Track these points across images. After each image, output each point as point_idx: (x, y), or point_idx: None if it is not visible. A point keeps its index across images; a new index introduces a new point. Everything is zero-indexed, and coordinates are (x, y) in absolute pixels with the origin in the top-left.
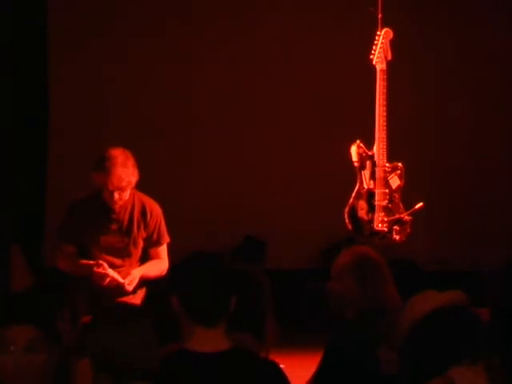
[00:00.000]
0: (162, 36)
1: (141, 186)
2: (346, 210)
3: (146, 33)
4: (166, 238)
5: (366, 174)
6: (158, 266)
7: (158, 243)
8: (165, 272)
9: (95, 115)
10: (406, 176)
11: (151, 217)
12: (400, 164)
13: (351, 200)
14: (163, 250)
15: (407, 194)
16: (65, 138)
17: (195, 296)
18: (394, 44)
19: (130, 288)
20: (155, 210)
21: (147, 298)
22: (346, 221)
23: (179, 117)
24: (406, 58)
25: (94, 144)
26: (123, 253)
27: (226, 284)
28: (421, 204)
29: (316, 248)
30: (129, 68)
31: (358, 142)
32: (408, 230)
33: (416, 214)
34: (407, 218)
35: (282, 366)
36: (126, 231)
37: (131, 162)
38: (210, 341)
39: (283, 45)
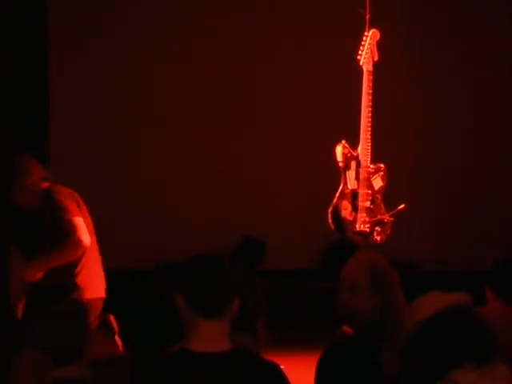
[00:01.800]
0: (162, 36)
1: (141, 186)
2: (330, 209)
3: (145, 33)
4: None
5: (350, 174)
6: (56, 250)
7: (60, 229)
8: (71, 250)
9: (95, 115)
10: (405, 177)
11: (53, 206)
12: (382, 165)
13: (335, 200)
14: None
15: (407, 194)
16: (65, 138)
17: (198, 285)
18: (393, 44)
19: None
20: (56, 198)
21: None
22: (329, 220)
23: (179, 117)
24: (404, 58)
25: (93, 144)
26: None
27: (228, 276)
28: (402, 205)
29: (316, 248)
30: (129, 68)
31: (343, 142)
32: (388, 232)
33: (416, 215)
34: (389, 219)
35: (282, 366)
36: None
37: (22, 172)
38: (211, 340)
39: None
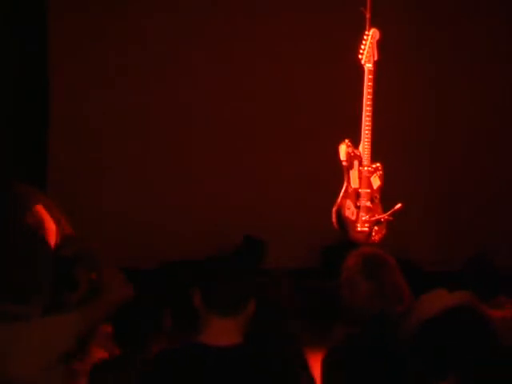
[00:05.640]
0: (161, 36)
1: (140, 187)
2: (334, 209)
3: (145, 33)
4: None
5: (353, 173)
6: None
7: None
8: None
9: (96, 115)
10: (405, 176)
11: None
12: (379, 164)
13: (339, 199)
14: None
15: (407, 194)
16: (65, 139)
17: (213, 284)
18: (388, 44)
19: None
20: None
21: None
22: (334, 220)
23: (179, 117)
24: (401, 57)
25: (94, 144)
26: None
27: (243, 277)
28: (399, 205)
29: (316, 248)
30: (129, 69)
31: (346, 141)
32: (384, 231)
33: (416, 214)
34: (388, 218)
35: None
36: None
37: None
38: (222, 334)
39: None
